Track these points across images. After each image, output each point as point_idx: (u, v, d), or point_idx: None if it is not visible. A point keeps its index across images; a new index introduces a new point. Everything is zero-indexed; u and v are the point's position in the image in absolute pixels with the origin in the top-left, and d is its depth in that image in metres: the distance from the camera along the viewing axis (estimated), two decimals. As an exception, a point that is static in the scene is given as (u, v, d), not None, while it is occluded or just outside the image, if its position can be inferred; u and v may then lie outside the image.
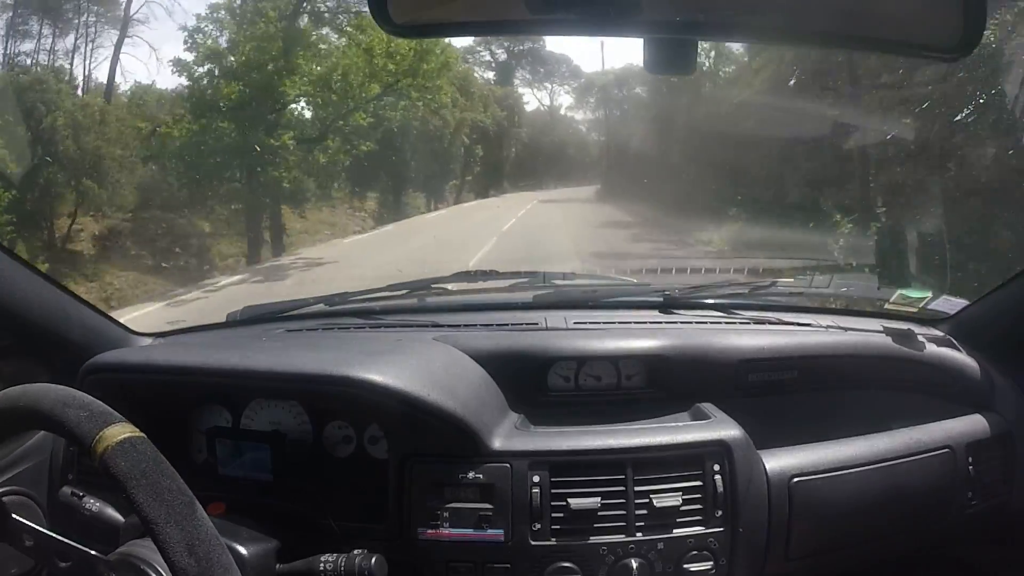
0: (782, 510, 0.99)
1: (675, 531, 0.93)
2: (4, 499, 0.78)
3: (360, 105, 11.66)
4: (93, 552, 0.70)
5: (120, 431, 0.60)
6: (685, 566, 0.93)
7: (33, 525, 0.72)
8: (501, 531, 0.92)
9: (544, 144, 28.69)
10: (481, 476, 0.93)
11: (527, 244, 9.82)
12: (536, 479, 0.93)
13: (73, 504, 0.91)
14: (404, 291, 1.43)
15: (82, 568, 0.69)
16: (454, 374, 1.03)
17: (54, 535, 0.71)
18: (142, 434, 0.61)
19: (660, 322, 1.27)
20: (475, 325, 1.26)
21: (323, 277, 8.69)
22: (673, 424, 1.04)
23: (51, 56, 11.33)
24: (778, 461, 1.01)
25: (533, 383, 1.11)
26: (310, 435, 1.06)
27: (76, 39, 11.67)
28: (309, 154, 11.60)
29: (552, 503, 0.93)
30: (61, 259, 9.22)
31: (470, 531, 0.92)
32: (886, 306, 1.33)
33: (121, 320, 1.29)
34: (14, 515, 0.72)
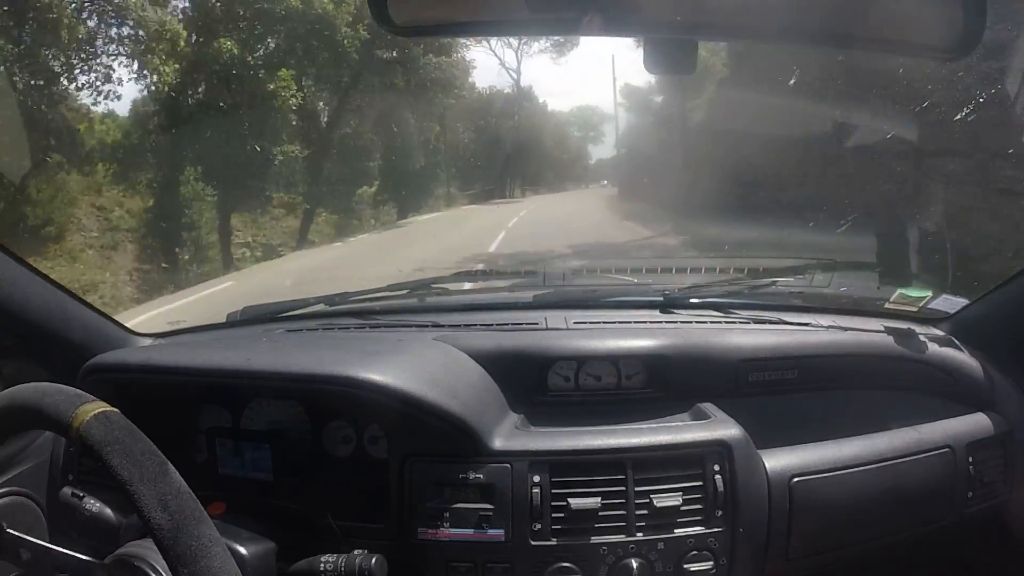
0: (782, 510, 0.99)
1: (675, 531, 0.93)
2: None
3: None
4: (90, 559, 0.70)
5: (94, 407, 0.62)
6: (685, 566, 0.93)
7: (29, 538, 0.72)
8: (501, 531, 0.92)
9: (509, 130, 20.27)
10: (481, 476, 0.93)
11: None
12: (536, 479, 0.93)
13: (73, 504, 0.91)
14: (404, 291, 1.43)
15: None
16: (454, 374, 1.03)
17: (51, 546, 0.71)
18: (115, 409, 0.63)
19: (660, 322, 1.27)
20: (475, 325, 1.26)
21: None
22: (673, 424, 1.04)
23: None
24: (778, 461, 1.01)
25: (533, 383, 1.11)
26: (310, 435, 1.06)
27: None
28: None
29: (552, 503, 0.93)
30: None
31: (470, 531, 0.92)
32: (886, 305, 1.33)
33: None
34: (10, 530, 0.72)
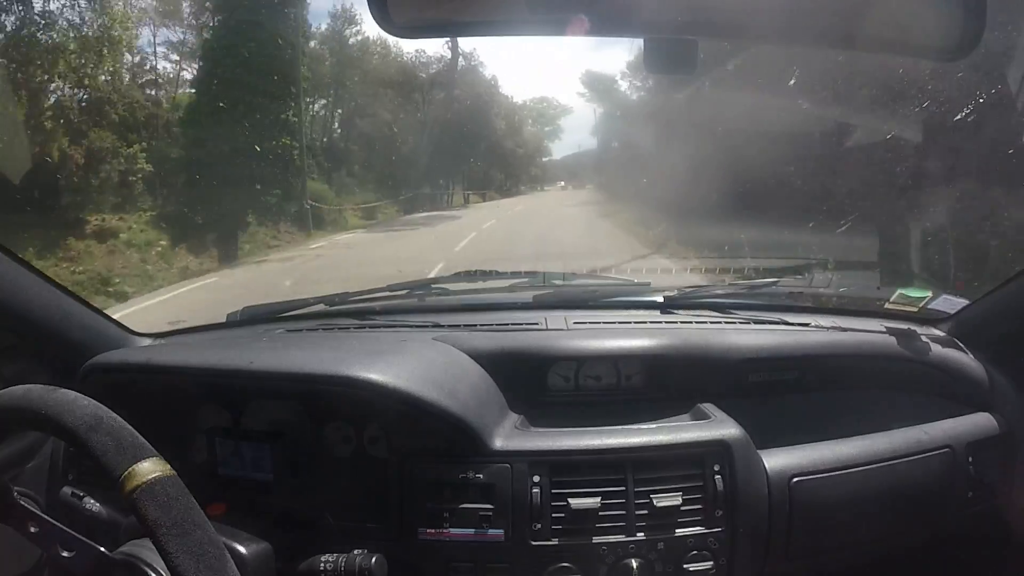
0: (782, 510, 0.99)
1: (675, 531, 0.93)
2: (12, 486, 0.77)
3: None
4: (99, 548, 0.70)
5: (150, 469, 0.58)
6: (685, 566, 0.93)
7: (38, 512, 0.72)
8: (501, 531, 0.92)
9: (443, 108, 14.02)
10: (481, 476, 0.93)
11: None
12: (536, 479, 0.93)
13: (73, 504, 0.91)
14: (404, 291, 1.43)
15: (84, 560, 0.69)
16: (454, 374, 1.03)
17: (59, 525, 0.71)
18: (172, 472, 0.60)
19: (660, 322, 1.27)
20: (475, 325, 1.26)
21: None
22: (673, 424, 1.04)
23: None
24: (778, 461, 1.01)
25: (533, 383, 1.11)
26: (310, 435, 1.06)
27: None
28: None
29: (552, 503, 0.93)
30: None
31: (470, 531, 0.92)
32: (886, 306, 1.33)
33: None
34: (21, 501, 0.72)
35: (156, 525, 0.56)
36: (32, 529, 0.71)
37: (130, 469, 0.58)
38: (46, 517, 0.71)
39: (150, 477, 0.58)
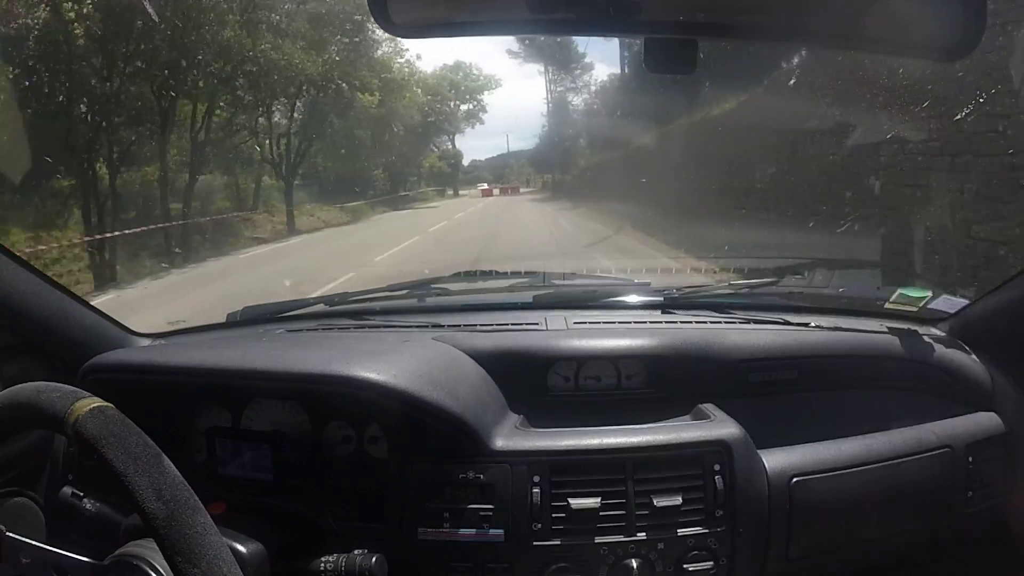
0: (782, 510, 0.99)
1: (675, 531, 0.93)
2: None
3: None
4: (90, 560, 0.70)
5: (89, 402, 0.63)
6: (685, 566, 0.93)
7: (29, 541, 0.72)
8: (501, 531, 0.92)
9: None
10: (481, 476, 0.93)
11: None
12: (536, 479, 0.93)
13: (73, 504, 0.91)
14: (404, 291, 1.43)
15: None
16: (454, 374, 1.03)
17: (50, 548, 0.71)
18: (110, 404, 0.64)
19: (660, 322, 1.27)
20: (475, 325, 1.26)
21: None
22: (673, 424, 1.04)
23: None
24: (778, 461, 1.01)
25: (533, 383, 1.11)
26: (310, 435, 1.06)
27: None
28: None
29: (552, 503, 0.93)
30: None
31: (470, 531, 0.92)
32: (886, 306, 1.33)
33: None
34: (10, 533, 0.72)
35: (96, 440, 0.60)
36: (24, 560, 0.71)
37: (71, 407, 0.62)
38: (36, 544, 0.72)
39: (91, 407, 0.62)
